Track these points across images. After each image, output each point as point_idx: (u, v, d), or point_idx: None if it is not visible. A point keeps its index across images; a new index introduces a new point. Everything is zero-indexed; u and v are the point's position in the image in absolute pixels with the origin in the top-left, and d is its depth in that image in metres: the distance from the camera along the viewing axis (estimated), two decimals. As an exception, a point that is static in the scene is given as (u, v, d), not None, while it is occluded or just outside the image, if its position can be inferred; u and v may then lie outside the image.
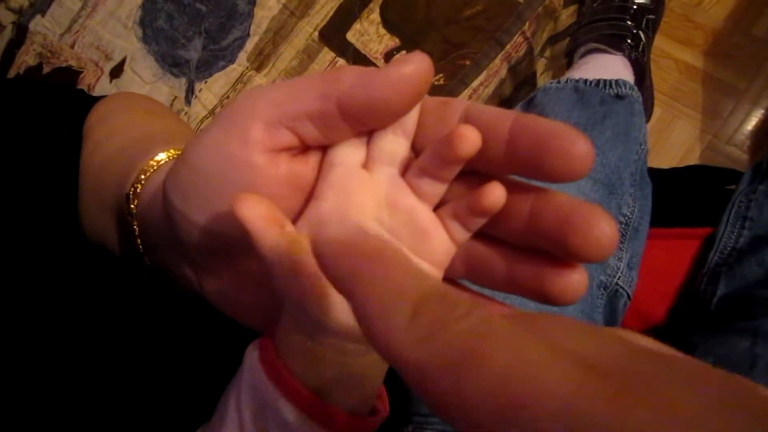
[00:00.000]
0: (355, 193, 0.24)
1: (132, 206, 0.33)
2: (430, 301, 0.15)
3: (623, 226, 0.60)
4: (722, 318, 0.56)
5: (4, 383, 0.34)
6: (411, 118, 0.24)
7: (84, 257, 0.40)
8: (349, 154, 0.24)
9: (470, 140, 0.21)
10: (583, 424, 0.12)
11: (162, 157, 0.34)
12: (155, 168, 0.34)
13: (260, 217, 0.22)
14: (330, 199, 0.25)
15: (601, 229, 0.20)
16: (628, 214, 0.60)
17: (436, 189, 0.24)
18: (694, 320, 0.60)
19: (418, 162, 0.24)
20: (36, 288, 0.37)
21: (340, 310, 0.24)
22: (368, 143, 0.25)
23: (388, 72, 0.21)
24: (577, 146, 0.19)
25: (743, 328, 0.51)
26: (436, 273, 0.25)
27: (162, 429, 0.38)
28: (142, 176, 0.33)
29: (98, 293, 0.39)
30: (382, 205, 0.25)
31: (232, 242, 0.26)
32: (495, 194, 0.22)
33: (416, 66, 0.21)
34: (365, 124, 0.23)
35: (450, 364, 0.14)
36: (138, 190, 0.33)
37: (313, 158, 0.25)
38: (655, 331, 0.63)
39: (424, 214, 0.24)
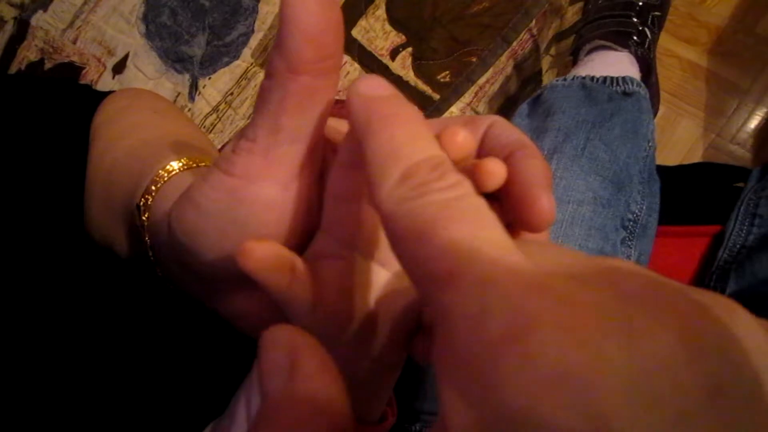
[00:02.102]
0: (361, 225, 0.24)
1: (143, 218, 0.32)
2: (421, 168, 0.16)
3: (632, 223, 0.59)
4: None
5: (11, 384, 0.34)
6: None
7: (90, 258, 0.39)
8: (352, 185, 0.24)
9: (497, 176, 0.22)
10: (495, 298, 0.13)
11: (174, 166, 0.34)
12: (166, 179, 0.33)
13: (267, 268, 0.22)
14: (334, 232, 0.25)
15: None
16: (637, 211, 0.60)
17: None
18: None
19: None
20: (42, 288, 0.37)
21: (350, 333, 0.24)
22: None
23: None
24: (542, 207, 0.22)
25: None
26: None
27: (173, 427, 0.37)
28: (153, 187, 0.33)
29: (105, 294, 0.38)
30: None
31: (241, 274, 0.25)
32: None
33: None
34: (314, 55, 0.20)
35: (414, 228, 0.15)
36: (149, 202, 0.32)
37: (317, 186, 0.25)
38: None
39: None
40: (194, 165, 0.34)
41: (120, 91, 0.45)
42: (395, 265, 0.25)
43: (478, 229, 0.15)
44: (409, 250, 0.16)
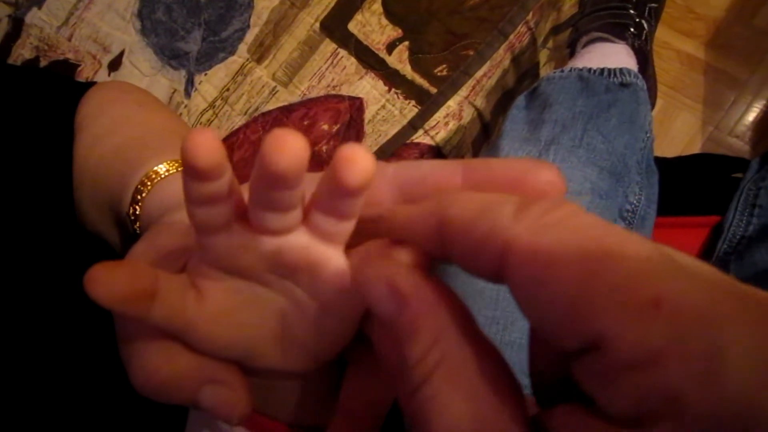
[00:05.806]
0: (240, 257, 0.21)
1: (135, 227, 0.33)
2: (533, 202, 0.15)
3: (630, 214, 0.59)
4: (732, 307, 0.55)
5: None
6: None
7: (79, 244, 0.39)
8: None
9: (359, 167, 0.17)
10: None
11: (161, 170, 0.33)
12: (150, 187, 0.33)
13: (120, 299, 0.19)
14: (206, 259, 0.22)
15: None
16: (635, 202, 0.60)
17: (338, 227, 0.20)
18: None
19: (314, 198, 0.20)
20: (32, 278, 0.37)
21: (240, 356, 0.23)
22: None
23: None
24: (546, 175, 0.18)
25: (753, 316, 0.51)
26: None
27: (154, 428, 0.37)
28: (139, 196, 0.33)
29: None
30: (270, 264, 0.21)
31: None
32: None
33: None
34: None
35: (582, 251, 0.13)
36: (138, 212, 0.32)
37: None
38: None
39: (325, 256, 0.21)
40: (175, 170, 0.34)
41: (103, 82, 0.45)
42: (282, 288, 0.22)
43: (652, 243, 0.13)
44: (572, 278, 0.13)
